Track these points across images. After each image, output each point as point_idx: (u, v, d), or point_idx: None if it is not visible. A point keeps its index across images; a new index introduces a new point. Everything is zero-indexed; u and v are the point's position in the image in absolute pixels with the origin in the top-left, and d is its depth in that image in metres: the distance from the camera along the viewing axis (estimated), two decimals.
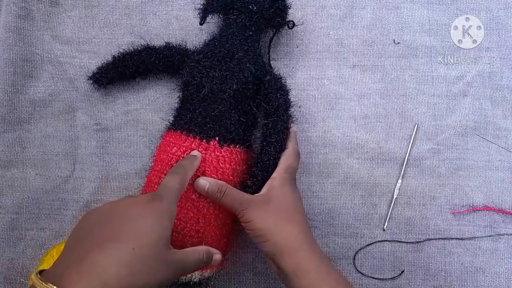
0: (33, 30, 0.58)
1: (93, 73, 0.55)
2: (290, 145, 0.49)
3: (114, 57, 0.55)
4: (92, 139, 0.57)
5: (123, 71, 0.54)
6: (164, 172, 0.46)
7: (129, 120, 0.57)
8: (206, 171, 0.46)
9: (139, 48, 0.54)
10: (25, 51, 0.57)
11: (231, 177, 0.47)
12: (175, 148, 0.47)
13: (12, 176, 0.55)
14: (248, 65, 0.49)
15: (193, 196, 0.45)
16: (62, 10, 0.59)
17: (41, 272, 0.34)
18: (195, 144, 0.47)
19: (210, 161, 0.46)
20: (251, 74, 0.49)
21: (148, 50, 0.54)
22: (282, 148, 0.48)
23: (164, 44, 0.54)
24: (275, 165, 0.47)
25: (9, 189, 0.55)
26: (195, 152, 0.46)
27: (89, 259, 0.32)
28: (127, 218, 0.36)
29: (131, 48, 0.54)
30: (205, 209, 0.46)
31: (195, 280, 0.46)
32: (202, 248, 0.43)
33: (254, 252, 0.54)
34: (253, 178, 0.47)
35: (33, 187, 0.55)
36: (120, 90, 0.57)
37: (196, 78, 0.48)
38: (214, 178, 0.46)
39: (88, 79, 0.56)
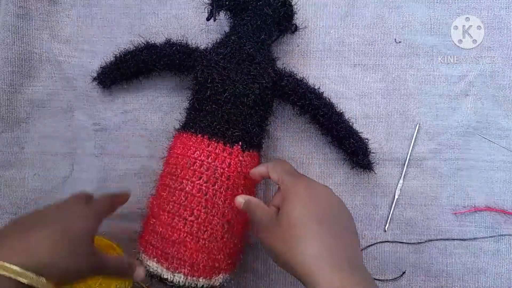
0: (32, 29, 0.57)
1: (98, 74, 0.55)
2: (267, 167, 0.46)
3: (115, 57, 0.54)
4: (90, 139, 0.56)
5: (125, 71, 0.54)
6: (186, 177, 0.46)
7: (127, 120, 0.57)
8: (231, 176, 0.46)
9: (140, 47, 0.53)
10: (24, 51, 0.57)
11: (251, 181, 0.48)
12: (198, 152, 0.46)
13: (11, 176, 0.55)
14: (269, 70, 0.49)
15: (219, 201, 0.46)
16: (61, 9, 0.58)
17: None
18: (219, 149, 0.47)
19: (234, 166, 0.46)
20: (271, 79, 0.48)
21: (149, 49, 0.53)
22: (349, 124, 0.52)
23: (165, 41, 0.53)
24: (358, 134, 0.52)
25: (7, 190, 0.55)
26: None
27: (23, 235, 0.38)
28: (59, 212, 0.42)
29: (132, 47, 0.54)
30: (229, 215, 0.46)
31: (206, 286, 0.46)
32: (126, 258, 0.46)
33: (253, 253, 0.54)
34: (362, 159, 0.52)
35: (32, 187, 0.55)
36: (119, 90, 0.57)
37: (217, 80, 0.47)
38: (238, 182, 0.46)
39: (92, 80, 0.55)
